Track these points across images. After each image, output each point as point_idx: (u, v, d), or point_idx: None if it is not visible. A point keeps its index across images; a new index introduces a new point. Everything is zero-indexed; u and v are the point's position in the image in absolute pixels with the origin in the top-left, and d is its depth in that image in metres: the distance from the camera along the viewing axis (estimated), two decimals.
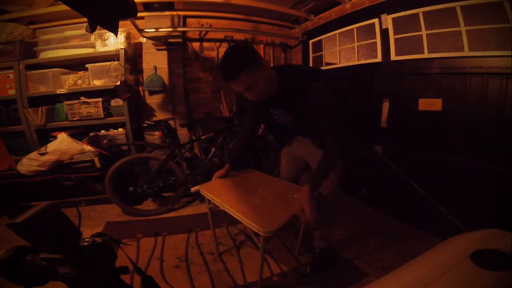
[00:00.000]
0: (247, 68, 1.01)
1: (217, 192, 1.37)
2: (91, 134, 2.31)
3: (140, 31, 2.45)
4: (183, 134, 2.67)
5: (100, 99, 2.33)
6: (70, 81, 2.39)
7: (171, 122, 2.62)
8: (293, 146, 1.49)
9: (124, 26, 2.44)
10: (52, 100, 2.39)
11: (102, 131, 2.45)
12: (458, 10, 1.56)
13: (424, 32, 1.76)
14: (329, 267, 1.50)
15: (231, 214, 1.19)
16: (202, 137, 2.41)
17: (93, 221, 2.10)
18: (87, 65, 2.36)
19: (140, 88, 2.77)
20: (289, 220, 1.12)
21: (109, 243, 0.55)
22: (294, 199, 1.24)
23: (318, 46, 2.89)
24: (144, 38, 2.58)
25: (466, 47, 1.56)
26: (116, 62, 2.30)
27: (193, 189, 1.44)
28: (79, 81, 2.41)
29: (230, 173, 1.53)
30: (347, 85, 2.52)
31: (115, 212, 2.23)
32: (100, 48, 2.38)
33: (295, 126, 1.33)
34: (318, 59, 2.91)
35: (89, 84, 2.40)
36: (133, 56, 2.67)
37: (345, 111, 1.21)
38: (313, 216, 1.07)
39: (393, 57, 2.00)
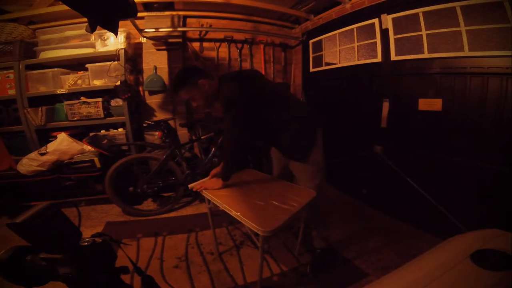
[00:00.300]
0: (183, 88, 1.35)
1: (217, 192, 1.37)
2: (91, 134, 2.31)
3: (140, 31, 2.45)
4: (183, 134, 2.67)
5: (100, 99, 2.33)
6: (70, 81, 2.38)
7: (171, 122, 2.62)
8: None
9: (124, 26, 2.44)
10: (52, 100, 2.39)
11: (102, 131, 2.45)
12: (458, 10, 1.56)
13: (424, 32, 1.76)
14: (329, 267, 1.51)
15: (230, 214, 1.19)
16: (202, 137, 2.41)
17: (93, 221, 2.10)
18: (87, 65, 2.36)
19: (140, 88, 2.76)
20: (288, 220, 1.12)
21: (109, 243, 0.55)
22: (293, 199, 1.24)
23: (318, 46, 2.89)
24: (144, 38, 2.58)
25: (466, 47, 1.56)
26: (116, 62, 2.30)
27: (190, 185, 1.47)
28: (79, 81, 2.40)
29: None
30: (347, 85, 2.52)
31: (115, 212, 2.23)
32: (100, 48, 2.38)
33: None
34: (318, 59, 2.91)
35: (89, 84, 2.40)
36: (133, 56, 2.67)
37: (247, 110, 1.32)
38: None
39: (393, 57, 2.00)
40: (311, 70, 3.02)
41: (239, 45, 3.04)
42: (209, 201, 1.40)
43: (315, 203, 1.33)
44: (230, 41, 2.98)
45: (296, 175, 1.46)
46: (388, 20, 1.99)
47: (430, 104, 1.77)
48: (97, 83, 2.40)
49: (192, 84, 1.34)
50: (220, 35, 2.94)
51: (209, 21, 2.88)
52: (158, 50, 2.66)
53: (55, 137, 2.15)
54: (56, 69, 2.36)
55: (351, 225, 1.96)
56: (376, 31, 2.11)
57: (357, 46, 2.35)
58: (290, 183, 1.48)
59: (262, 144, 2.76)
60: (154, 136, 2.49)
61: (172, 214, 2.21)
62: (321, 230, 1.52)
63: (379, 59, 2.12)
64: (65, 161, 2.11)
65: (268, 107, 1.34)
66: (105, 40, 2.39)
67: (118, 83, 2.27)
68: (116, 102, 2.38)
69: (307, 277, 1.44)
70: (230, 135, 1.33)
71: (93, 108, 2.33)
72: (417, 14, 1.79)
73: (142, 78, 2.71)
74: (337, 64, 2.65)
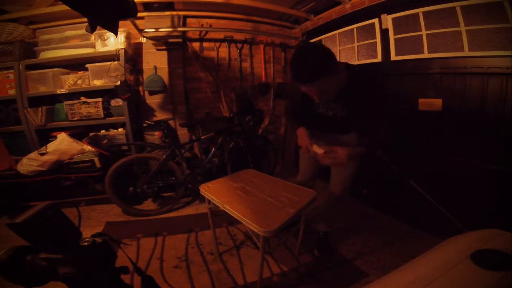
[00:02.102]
0: (327, 74, 1.00)
1: (217, 192, 1.37)
2: (91, 134, 2.31)
3: (140, 31, 2.45)
4: (183, 134, 2.67)
5: (100, 99, 2.32)
6: (70, 81, 2.38)
7: (171, 122, 2.62)
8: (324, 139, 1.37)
9: (124, 26, 2.43)
10: (52, 100, 2.39)
11: (102, 131, 2.45)
12: (458, 10, 1.56)
13: (424, 32, 1.76)
14: (334, 248, 1.64)
15: (231, 214, 1.19)
16: (202, 137, 2.41)
17: (93, 221, 2.10)
18: (87, 65, 2.36)
19: (140, 88, 2.76)
20: (289, 220, 1.12)
21: (109, 243, 0.55)
22: (294, 200, 1.24)
23: None
24: (144, 38, 2.58)
25: (466, 47, 1.56)
26: (116, 62, 2.29)
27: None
28: (79, 81, 2.40)
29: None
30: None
31: (115, 212, 2.22)
32: (100, 48, 2.38)
33: (340, 121, 1.31)
34: None
35: (89, 84, 2.40)
36: (133, 56, 2.67)
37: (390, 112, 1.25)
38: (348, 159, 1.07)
39: (393, 57, 2.00)
40: None
41: (239, 45, 3.04)
42: (209, 201, 1.40)
43: (335, 204, 1.43)
44: (230, 41, 2.97)
45: (333, 175, 1.51)
46: (388, 20, 1.99)
47: (430, 104, 1.77)
48: (97, 83, 2.40)
49: (335, 70, 1.04)
50: (220, 35, 2.94)
51: (209, 21, 2.88)
52: (158, 50, 2.66)
53: (55, 137, 2.15)
54: (56, 69, 2.36)
55: (351, 225, 1.95)
56: (376, 31, 2.11)
57: (357, 46, 2.35)
58: (290, 183, 1.48)
59: (261, 144, 2.77)
60: (154, 136, 2.49)
61: (172, 214, 2.21)
62: (328, 222, 1.64)
63: (379, 59, 2.12)
64: (65, 161, 2.11)
65: None
66: (105, 40, 2.39)
67: (118, 83, 2.27)
68: (116, 102, 2.38)
69: (317, 260, 1.56)
70: (382, 134, 1.18)
71: (93, 108, 2.33)
72: (417, 14, 1.79)
73: (142, 78, 2.71)
74: None
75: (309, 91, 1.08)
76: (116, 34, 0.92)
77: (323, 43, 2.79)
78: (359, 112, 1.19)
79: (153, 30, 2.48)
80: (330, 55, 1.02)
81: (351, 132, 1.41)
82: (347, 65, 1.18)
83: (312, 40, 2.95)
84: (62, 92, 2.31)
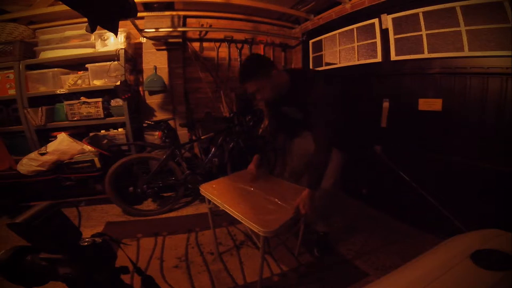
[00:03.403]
0: (256, 77, 1.24)
1: (217, 192, 1.37)
2: (91, 134, 2.31)
3: (140, 31, 2.45)
4: (183, 134, 2.67)
5: (100, 99, 2.33)
6: (70, 81, 2.38)
7: (171, 122, 2.62)
8: (304, 139, 1.61)
9: (124, 26, 2.44)
10: (52, 100, 2.39)
11: (102, 131, 2.45)
12: (458, 10, 1.56)
13: (424, 32, 1.76)
14: (334, 248, 1.66)
15: (231, 214, 1.19)
16: (202, 137, 2.41)
17: (93, 221, 2.10)
18: (87, 65, 2.36)
19: (140, 88, 2.76)
20: (289, 220, 1.12)
21: (109, 243, 0.55)
22: (294, 200, 1.24)
23: (318, 46, 2.89)
24: (144, 38, 2.58)
25: (466, 47, 1.56)
26: (116, 62, 2.29)
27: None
28: (79, 81, 2.40)
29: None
30: (347, 85, 2.51)
31: (115, 212, 2.22)
32: (100, 48, 2.38)
33: (305, 122, 1.44)
34: (318, 59, 2.91)
35: (89, 84, 2.40)
36: (133, 56, 2.67)
37: (340, 110, 1.34)
38: (308, 216, 1.19)
39: (393, 57, 2.00)
40: None
41: (239, 45, 3.04)
42: (209, 201, 1.40)
43: (328, 200, 1.45)
44: (230, 41, 2.98)
45: None
46: (388, 20, 1.99)
47: (430, 104, 1.77)
48: (97, 83, 2.40)
49: (265, 74, 1.25)
50: (220, 35, 2.94)
51: (209, 21, 2.88)
52: (158, 50, 2.66)
53: (55, 137, 2.15)
54: (56, 69, 2.36)
55: (351, 225, 1.95)
56: (376, 31, 2.11)
57: (357, 46, 2.35)
58: (292, 184, 1.48)
59: (261, 144, 2.77)
60: (154, 136, 2.49)
61: (172, 214, 2.21)
62: (325, 223, 1.65)
63: (379, 59, 2.12)
64: (65, 161, 2.11)
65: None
66: (105, 40, 2.39)
67: (118, 83, 2.27)
68: (116, 102, 2.38)
69: (317, 260, 1.56)
70: (324, 137, 1.25)
71: (93, 108, 2.33)
72: (417, 14, 1.79)
73: (142, 78, 2.71)
74: (337, 64, 2.65)
75: (250, 91, 1.30)
76: (116, 34, 0.92)
77: (323, 43, 2.79)
78: (308, 113, 1.32)
79: (153, 30, 2.48)
80: (260, 63, 1.27)
81: (308, 132, 1.53)
82: (288, 70, 1.39)
83: (312, 40, 2.95)
84: (62, 92, 2.31)
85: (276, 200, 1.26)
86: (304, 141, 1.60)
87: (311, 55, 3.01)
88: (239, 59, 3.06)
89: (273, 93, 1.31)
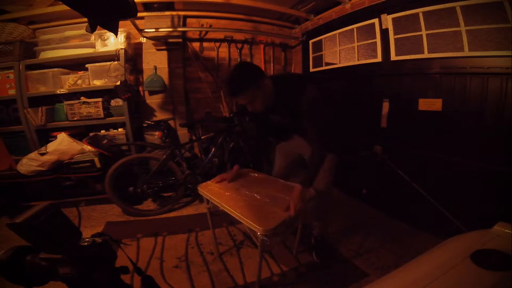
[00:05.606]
0: (248, 89, 1.18)
1: (216, 192, 1.37)
2: (91, 134, 2.31)
3: (140, 31, 2.45)
4: (183, 134, 2.67)
5: (100, 99, 2.33)
6: (70, 81, 2.38)
7: (171, 122, 2.63)
8: (290, 142, 1.63)
9: (124, 26, 2.44)
10: (52, 100, 2.39)
11: (102, 131, 2.45)
12: (458, 10, 1.56)
13: (424, 32, 1.76)
14: (332, 251, 1.63)
15: (229, 213, 1.19)
16: (202, 137, 2.41)
17: (93, 221, 2.10)
18: (87, 65, 2.36)
19: (140, 88, 2.77)
20: (287, 219, 1.12)
21: (109, 243, 0.55)
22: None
23: (318, 46, 2.89)
24: (144, 38, 2.58)
25: (466, 47, 1.56)
26: (116, 62, 2.30)
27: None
28: (79, 81, 2.41)
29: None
30: (347, 85, 2.52)
31: (115, 212, 2.22)
32: (100, 48, 2.38)
33: (291, 127, 1.48)
34: (318, 59, 2.91)
35: (89, 84, 2.40)
36: (133, 56, 2.67)
37: (329, 113, 1.38)
38: (297, 213, 1.15)
39: (393, 57, 2.00)
40: (311, 70, 3.02)
41: (239, 45, 3.04)
42: (208, 201, 1.40)
43: (323, 201, 1.43)
44: (230, 41, 2.98)
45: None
46: (388, 20, 1.99)
47: (430, 104, 1.77)
48: (97, 83, 2.40)
49: (257, 85, 1.19)
50: (220, 35, 2.94)
51: (209, 21, 2.88)
52: (158, 50, 2.66)
53: (55, 137, 2.15)
54: (56, 69, 2.36)
55: (351, 225, 1.95)
56: (376, 31, 2.11)
57: (357, 46, 2.35)
58: (290, 183, 1.48)
59: (261, 144, 2.76)
60: (154, 136, 2.49)
61: (172, 214, 2.21)
62: (321, 225, 1.62)
63: (379, 59, 2.12)
64: (65, 161, 2.11)
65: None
66: (105, 40, 2.40)
67: (118, 83, 2.27)
68: (116, 102, 2.38)
69: (315, 265, 1.53)
70: (316, 140, 1.26)
71: (93, 108, 2.33)
72: (417, 14, 1.79)
73: (142, 78, 2.72)
74: (337, 64, 2.65)
75: (241, 103, 1.26)
76: (116, 34, 0.92)
77: (323, 43, 2.79)
78: (297, 118, 1.29)
79: (153, 30, 2.48)
80: (252, 73, 1.20)
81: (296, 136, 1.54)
82: (271, 77, 1.31)
83: (312, 40, 2.95)
84: (62, 92, 2.32)
85: (275, 199, 1.26)
86: (289, 145, 1.63)
87: (311, 55, 3.01)
88: (239, 59, 3.06)
89: (265, 103, 1.27)
